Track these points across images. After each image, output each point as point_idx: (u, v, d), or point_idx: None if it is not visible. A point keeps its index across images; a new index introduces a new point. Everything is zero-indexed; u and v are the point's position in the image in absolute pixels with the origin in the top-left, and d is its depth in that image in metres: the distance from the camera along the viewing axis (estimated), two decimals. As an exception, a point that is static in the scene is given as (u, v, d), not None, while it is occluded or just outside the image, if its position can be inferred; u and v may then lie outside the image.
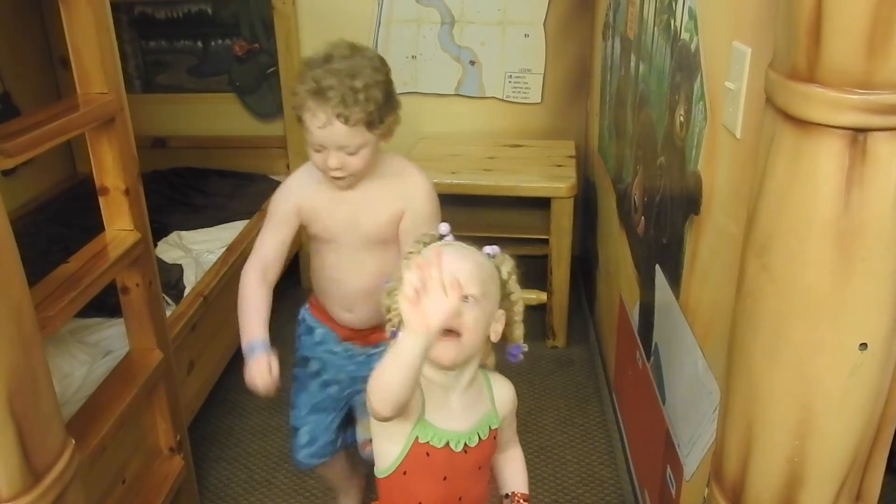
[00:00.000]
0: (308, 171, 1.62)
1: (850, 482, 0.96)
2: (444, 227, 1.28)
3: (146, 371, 1.79)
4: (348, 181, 1.55)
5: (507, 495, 1.43)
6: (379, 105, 1.47)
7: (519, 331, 1.32)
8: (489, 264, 1.26)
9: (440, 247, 1.25)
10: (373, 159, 1.54)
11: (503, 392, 1.35)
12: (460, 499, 1.31)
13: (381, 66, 1.51)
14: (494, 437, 1.33)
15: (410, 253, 1.27)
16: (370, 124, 1.47)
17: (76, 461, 1.29)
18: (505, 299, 1.28)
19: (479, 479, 1.33)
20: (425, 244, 1.27)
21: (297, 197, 1.63)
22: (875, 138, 0.79)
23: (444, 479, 1.27)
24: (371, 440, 1.33)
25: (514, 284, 1.29)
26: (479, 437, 1.28)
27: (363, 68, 1.46)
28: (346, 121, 1.45)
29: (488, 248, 1.29)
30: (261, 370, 1.52)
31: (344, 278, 1.67)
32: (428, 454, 1.24)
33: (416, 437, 1.24)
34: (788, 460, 0.95)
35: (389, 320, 1.28)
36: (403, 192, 1.61)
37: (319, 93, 1.44)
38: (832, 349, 0.88)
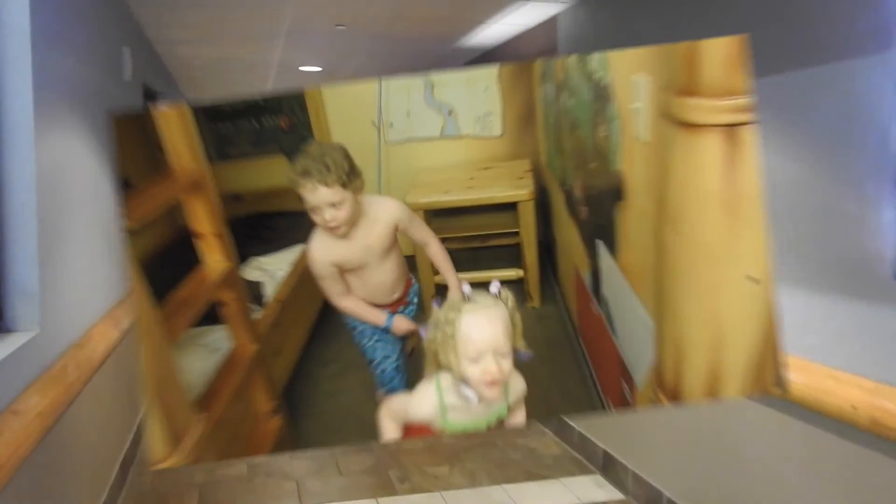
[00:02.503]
0: (320, 238, 1.69)
1: (759, 376, 0.96)
2: (467, 289, 1.21)
3: (246, 360, 1.79)
4: (343, 230, 1.63)
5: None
6: (346, 171, 1.57)
7: (521, 340, 1.19)
8: (503, 310, 1.16)
9: (469, 313, 1.15)
10: (356, 209, 1.62)
11: (515, 385, 1.25)
12: None
13: (343, 151, 1.61)
14: (501, 423, 1.24)
15: (443, 309, 1.19)
16: (344, 184, 1.57)
17: (203, 428, 1.29)
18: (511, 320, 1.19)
19: None
20: (454, 307, 1.18)
21: (327, 257, 1.70)
22: (742, 130, 0.79)
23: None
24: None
25: (515, 311, 1.19)
26: (488, 426, 1.22)
27: (330, 152, 1.59)
28: (326, 184, 1.56)
29: (493, 287, 1.20)
30: (404, 322, 1.76)
31: (385, 280, 1.75)
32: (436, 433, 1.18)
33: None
34: (709, 366, 0.96)
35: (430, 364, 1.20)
36: (387, 214, 1.69)
37: (305, 173, 1.57)
38: (732, 284, 0.88)
